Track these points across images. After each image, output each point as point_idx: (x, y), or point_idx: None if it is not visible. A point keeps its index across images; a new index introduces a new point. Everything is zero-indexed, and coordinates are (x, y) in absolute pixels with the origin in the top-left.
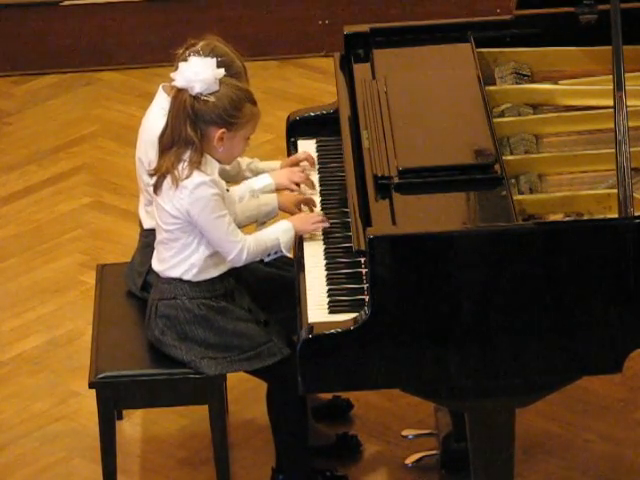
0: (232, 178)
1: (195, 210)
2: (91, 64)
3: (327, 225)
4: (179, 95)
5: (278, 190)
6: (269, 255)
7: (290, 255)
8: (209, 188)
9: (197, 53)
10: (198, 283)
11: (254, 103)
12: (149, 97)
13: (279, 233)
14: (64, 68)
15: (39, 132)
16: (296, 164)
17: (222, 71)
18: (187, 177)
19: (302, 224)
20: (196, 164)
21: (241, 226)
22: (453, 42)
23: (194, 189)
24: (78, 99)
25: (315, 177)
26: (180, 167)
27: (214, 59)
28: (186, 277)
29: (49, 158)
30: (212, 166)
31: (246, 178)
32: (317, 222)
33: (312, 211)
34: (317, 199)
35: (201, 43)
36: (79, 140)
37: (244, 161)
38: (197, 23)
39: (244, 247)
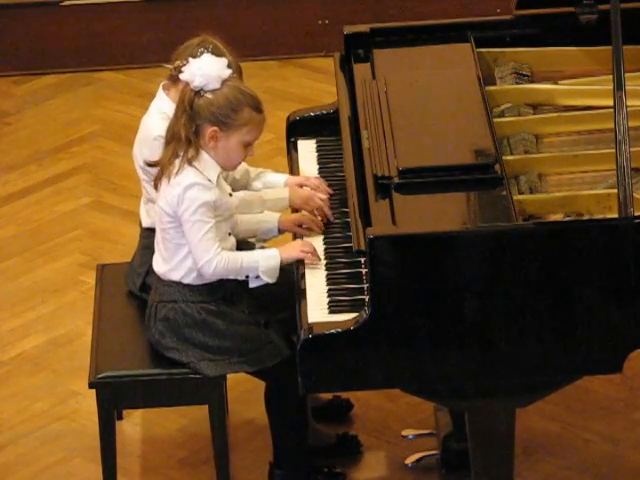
0: (241, 187)
1: (180, 207)
2: (91, 64)
3: (317, 260)
4: (184, 89)
5: (291, 207)
6: (248, 277)
7: (272, 281)
8: (200, 192)
9: (207, 49)
10: (198, 287)
11: (257, 110)
12: (149, 97)
13: (261, 257)
14: (64, 68)
15: (39, 132)
16: (300, 186)
17: (229, 72)
18: (178, 172)
19: (290, 251)
20: (191, 160)
21: (239, 237)
22: (453, 42)
23: (186, 188)
24: (78, 99)
25: None
26: (175, 162)
27: (224, 59)
28: (186, 281)
29: (49, 158)
30: (211, 168)
31: (254, 187)
32: (306, 251)
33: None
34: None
35: (195, 39)
36: (79, 140)
37: (254, 170)
38: (197, 23)
39: (213, 259)
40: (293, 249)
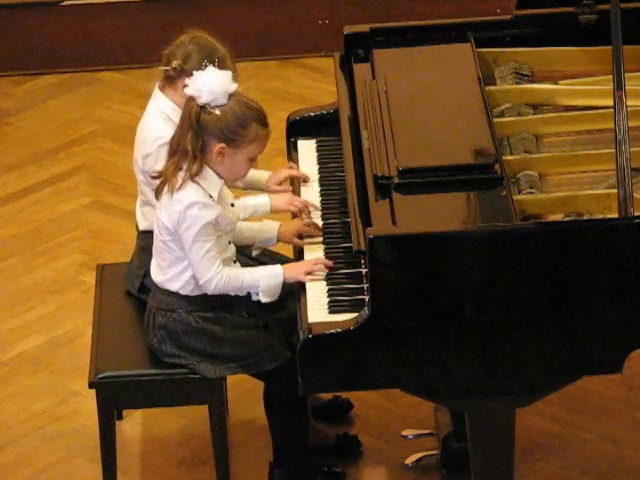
0: None
1: (181, 226)
2: (91, 64)
3: (323, 272)
4: (189, 103)
5: (275, 212)
6: (248, 293)
7: (271, 300)
8: (201, 211)
9: (212, 63)
10: (196, 297)
11: (263, 125)
12: (149, 97)
13: (262, 276)
14: (64, 68)
15: (39, 132)
16: (284, 180)
17: (235, 86)
18: (181, 187)
19: (295, 272)
20: (194, 175)
21: (238, 244)
22: (453, 42)
23: (188, 206)
24: (78, 99)
25: (315, 179)
26: (178, 175)
27: (229, 72)
28: (183, 292)
29: (49, 158)
30: (214, 184)
31: (235, 187)
32: (311, 271)
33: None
34: (318, 219)
35: (184, 36)
36: (79, 140)
37: None
38: (197, 23)
39: (213, 278)
40: (299, 272)
